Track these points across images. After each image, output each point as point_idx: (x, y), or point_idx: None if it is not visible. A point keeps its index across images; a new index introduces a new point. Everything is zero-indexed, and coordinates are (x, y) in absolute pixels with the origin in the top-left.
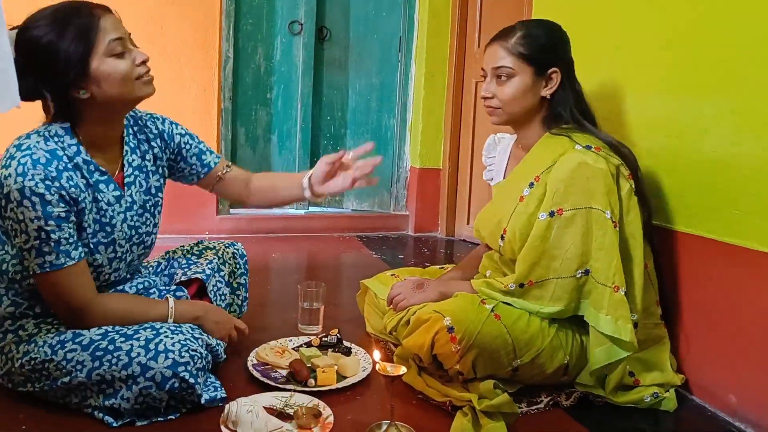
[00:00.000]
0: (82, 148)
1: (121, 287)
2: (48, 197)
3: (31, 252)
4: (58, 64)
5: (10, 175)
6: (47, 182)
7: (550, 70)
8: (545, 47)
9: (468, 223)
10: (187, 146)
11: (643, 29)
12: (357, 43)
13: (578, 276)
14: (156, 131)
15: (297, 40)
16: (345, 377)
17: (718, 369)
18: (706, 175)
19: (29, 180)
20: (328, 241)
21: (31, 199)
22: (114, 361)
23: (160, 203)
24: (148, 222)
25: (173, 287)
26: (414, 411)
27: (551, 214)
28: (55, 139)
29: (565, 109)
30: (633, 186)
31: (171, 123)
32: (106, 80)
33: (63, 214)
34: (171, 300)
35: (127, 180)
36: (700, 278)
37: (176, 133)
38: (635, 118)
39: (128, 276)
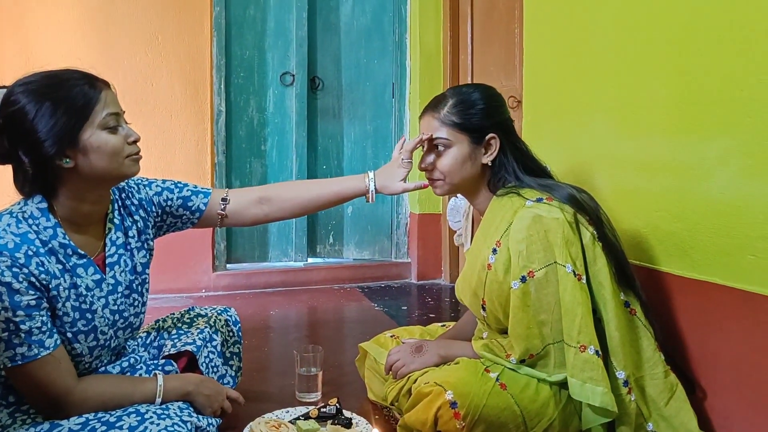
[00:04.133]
0: (59, 230)
1: (103, 369)
2: (15, 285)
3: (0, 345)
4: (46, 128)
5: None
6: (14, 269)
7: (487, 137)
8: (479, 114)
9: None
10: (169, 201)
11: (642, 67)
12: (350, 91)
13: None
14: (136, 202)
15: (289, 91)
16: None
17: (748, 427)
18: (716, 219)
19: None
20: (329, 293)
21: None
22: None
23: (147, 280)
24: (135, 303)
25: (161, 362)
26: None
27: (523, 279)
28: (30, 221)
29: (509, 173)
30: (595, 233)
31: (145, 186)
32: (95, 152)
33: (33, 302)
34: (160, 377)
35: (109, 260)
36: (717, 328)
37: (153, 195)
38: (635, 160)
39: (113, 359)
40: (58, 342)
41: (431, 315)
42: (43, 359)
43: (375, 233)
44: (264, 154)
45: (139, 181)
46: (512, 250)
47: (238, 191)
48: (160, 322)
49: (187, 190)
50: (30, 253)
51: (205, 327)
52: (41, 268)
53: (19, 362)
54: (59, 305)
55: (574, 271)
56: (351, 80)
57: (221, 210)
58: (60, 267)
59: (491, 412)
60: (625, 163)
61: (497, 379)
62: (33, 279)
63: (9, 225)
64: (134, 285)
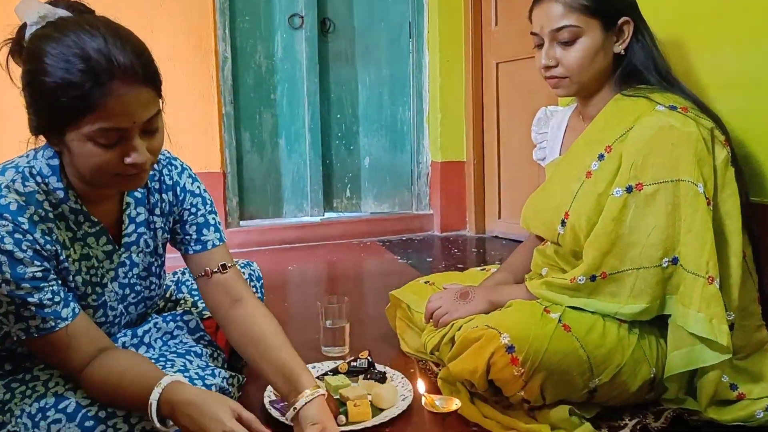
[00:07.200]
0: (71, 192)
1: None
2: (18, 255)
3: (9, 318)
4: (34, 104)
5: None
6: (17, 236)
7: (620, 21)
8: None
9: (499, 218)
10: (193, 209)
11: None
12: (363, 34)
13: (664, 265)
14: (170, 182)
15: (299, 35)
16: (381, 410)
17: None
18: None
19: None
20: (348, 248)
21: None
22: None
23: (164, 262)
24: (152, 285)
25: (179, 312)
26: None
27: (628, 189)
28: (38, 178)
29: (645, 64)
30: (730, 154)
31: (189, 176)
32: (77, 157)
33: (40, 274)
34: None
35: (126, 240)
36: None
37: (189, 191)
38: (707, 76)
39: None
40: (77, 310)
41: (459, 265)
42: (62, 331)
43: (394, 185)
44: (274, 103)
45: (186, 168)
46: (625, 158)
47: (239, 276)
48: (179, 275)
49: (212, 218)
50: (36, 218)
51: None
52: (47, 237)
53: (35, 335)
54: (69, 278)
55: (705, 194)
56: (364, 21)
57: (214, 269)
58: (70, 235)
59: (554, 358)
60: (692, 81)
61: (559, 320)
62: (38, 247)
63: (13, 181)
64: (153, 267)
